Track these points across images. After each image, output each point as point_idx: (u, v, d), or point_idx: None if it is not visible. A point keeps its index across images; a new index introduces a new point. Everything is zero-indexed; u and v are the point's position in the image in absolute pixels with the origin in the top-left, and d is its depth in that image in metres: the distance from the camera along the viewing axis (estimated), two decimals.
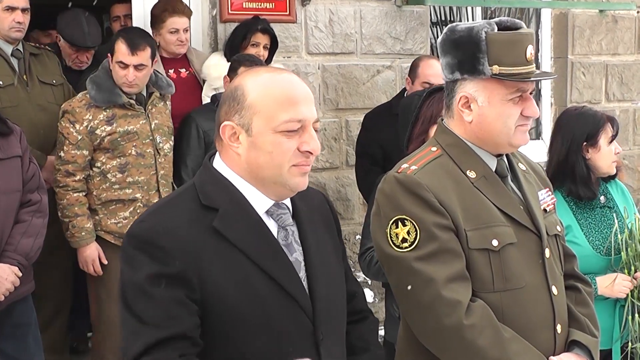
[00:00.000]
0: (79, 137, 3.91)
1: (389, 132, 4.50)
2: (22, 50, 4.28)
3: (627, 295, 3.18)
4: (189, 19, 4.56)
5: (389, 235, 2.13)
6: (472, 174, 2.20)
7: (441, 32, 2.28)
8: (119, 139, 3.95)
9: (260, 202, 1.87)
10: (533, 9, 6.11)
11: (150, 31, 4.47)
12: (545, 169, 3.15)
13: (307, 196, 2.00)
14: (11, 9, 4.14)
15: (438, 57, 2.44)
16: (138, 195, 4.01)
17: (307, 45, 5.11)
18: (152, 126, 4.05)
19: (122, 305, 1.78)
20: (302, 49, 5.09)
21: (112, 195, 3.98)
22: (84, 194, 3.98)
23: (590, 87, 6.20)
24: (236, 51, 4.48)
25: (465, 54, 2.16)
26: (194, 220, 1.80)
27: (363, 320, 2.15)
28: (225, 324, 1.77)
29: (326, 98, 5.19)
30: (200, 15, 4.84)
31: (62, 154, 3.95)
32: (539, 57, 6.19)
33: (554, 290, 2.23)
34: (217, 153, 1.92)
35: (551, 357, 2.18)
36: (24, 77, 4.25)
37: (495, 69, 2.14)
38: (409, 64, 4.66)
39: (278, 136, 1.80)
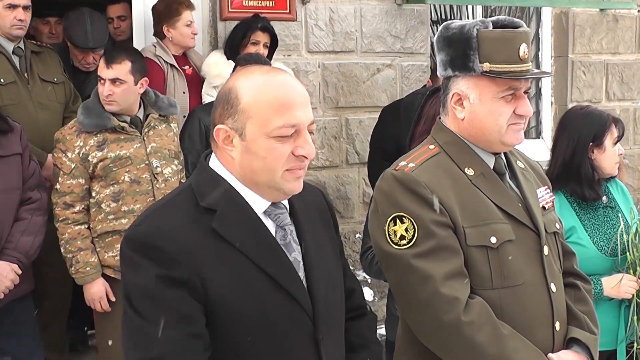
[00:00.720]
0: (72, 166, 3.67)
1: (405, 127, 4.47)
2: (23, 48, 4.28)
3: (633, 295, 3.17)
4: None
5: (387, 233, 2.13)
6: (470, 172, 2.20)
7: None
8: (110, 165, 3.67)
9: (257, 203, 1.86)
10: (534, 7, 6.11)
11: (143, 34, 4.48)
12: (546, 168, 3.15)
13: (305, 194, 1.98)
14: (12, 6, 4.14)
15: (433, 56, 2.44)
16: None
17: (307, 43, 5.11)
18: (148, 149, 3.76)
19: (129, 308, 1.76)
20: (302, 47, 5.09)
21: (107, 226, 3.69)
22: (85, 226, 3.72)
23: (591, 86, 6.20)
24: (236, 49, 4.48)
25: (457, 51, 2.17)
26: (192, 222, 1.78)
27: (361, 317, 2.15)
28: (226, 324, 1.76)
29: (326, 96, 5.19)
30: (200, 13, 4.84)
31: (58, 186, 3.70)
32: (540, 56, 6.19)
33: (553, 287, 2.23)
34: (213, 153, 1.91)
35: (550, 355, 2.18)
36: (25, 74, 4.25)
37: (486, 66, 2.14)
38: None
39: (272, 141, 1.78)
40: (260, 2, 4.89)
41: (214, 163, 1.88)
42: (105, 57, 3.75)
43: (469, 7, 5.92)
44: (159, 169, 3.77)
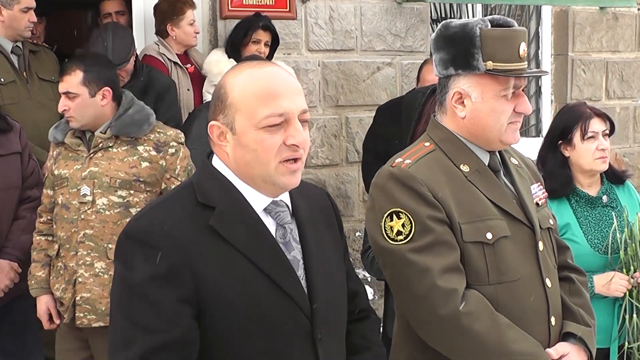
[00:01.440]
0: (46, 174, 3.50)
1: (396, 127, 4.49)
2: (21, 47, 4.28)
3: (625, 294, 3.18)
4: None
5: (383, 229, 2.14)
6: (465, 168, 2.21)
7: None
8: (54, 183, 3.39)
9: (257, 200, 1.85)
10: (533, 5, 6.10)
11: (143, 32, 4.47)
12: None
13: (308, 194, 1.99)
14: (28, 9, 4.18)
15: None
16: (61, 253, 3.33)
17: (307, 42, 5.11)
18: (84, 173, 3.28)
19: (116, 306, 1.75)
20: (302, 45, 5.09)
21: (50, 250, 3.41)
22: (46, 237, 3.42)
23: (591, 84, 6.20)
24: (237, 48, 4.49)
25: (459, 49, 2.17)
26: (190, 219, 1.78)
27: (365, 319, 2.13)
28: (222, 322, 1.76)
29: (326, 95, 5.19)
30: (200, 11, 4.84)
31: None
32: (539, 54, 6.19)
33: (548, 282, 2.24)
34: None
35: (547, 350, 2.19)
36: (24, 74, 4.26)
37: (490, 64, 2.15)
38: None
39: (260, 133, 1.77)
40: (260, 0, 4.89)
41: (215, 161, 1.88)
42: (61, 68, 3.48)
43: (469, 6, 5.91)
44: (87, 198, 3.26)
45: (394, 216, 2.12)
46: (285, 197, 1.91)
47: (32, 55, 4.37)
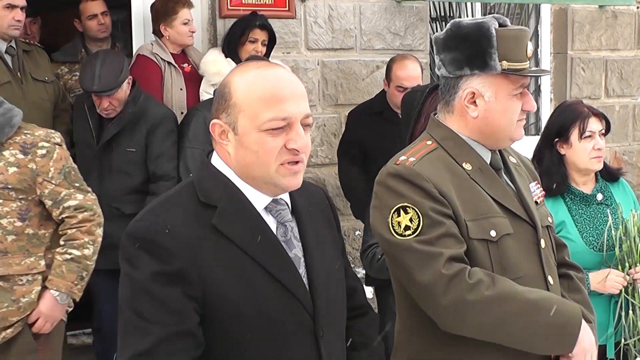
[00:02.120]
0: None
1: (369, 130, 4.53)
2: (15, 47, 4.29)
3: (621, 291, 3.19)
4: None
5: (390, 225, 2.12)
6: (468, 167, 2.21)
7: (441, 28, 2.29)
8: None
9: (258, 199, 1.86)
10: (533, 4, 6.10)
11: (142, 33, 4.46)
12: None
13: (307, 192, 2.00)
14: (11, 6, 4.15)
15: (433, 53, 2.45)
16: None
17: (307, 40, 5.11)
18: None
19: (124, 303, 1.76)
20: (301, 44, 5.09)
21: None
22: None
23: (590, 82, 6.20)
24: (234, 47, 4.49)
25: (476, 49, 2.17)
26: (192, 218, 1.79)
27: (363, 316, 2.14)
28: (225, 320, 1.77)
29: (325, 94, 5.19)
30: (199, 10, 4.85)
31: None
32: (539, 53, 6.19)
33: (550, 280, 2.25)
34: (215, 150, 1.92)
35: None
36: (18, 74, 4.27)
37: (505, 64, 2.16)
38: None
39: (263, 135, 1.78)
40: None
41: (215, 159, 1.89)
42: None
43: (468, 4, 5.91)
44: None
45: (401, 211, 2.11)
46: (285, 195, 1.92)
47: (26, 55, 4.37)
